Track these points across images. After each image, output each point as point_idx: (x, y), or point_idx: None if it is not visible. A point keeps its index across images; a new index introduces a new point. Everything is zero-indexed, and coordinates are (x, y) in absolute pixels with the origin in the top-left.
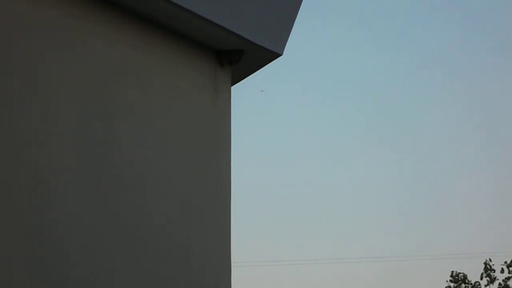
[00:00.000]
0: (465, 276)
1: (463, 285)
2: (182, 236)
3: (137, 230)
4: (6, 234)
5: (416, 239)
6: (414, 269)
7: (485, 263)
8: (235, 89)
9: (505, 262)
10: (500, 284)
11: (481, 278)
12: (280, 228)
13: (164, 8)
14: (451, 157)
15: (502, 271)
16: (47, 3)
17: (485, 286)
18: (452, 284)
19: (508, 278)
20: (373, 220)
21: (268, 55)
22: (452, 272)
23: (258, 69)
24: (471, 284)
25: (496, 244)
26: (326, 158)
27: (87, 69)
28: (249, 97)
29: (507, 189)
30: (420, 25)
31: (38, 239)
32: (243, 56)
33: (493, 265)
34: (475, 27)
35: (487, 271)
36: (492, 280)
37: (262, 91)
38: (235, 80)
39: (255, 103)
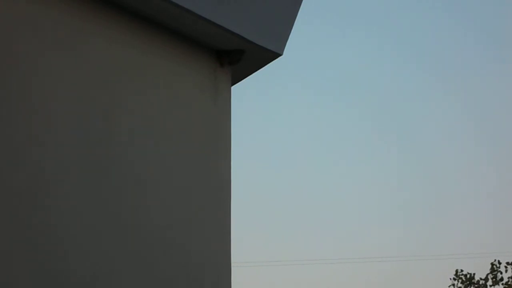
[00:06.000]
0: (472, 276)
1: (472, 287)
2: (182, 236)
3: (137, 230)
4: (6, 234)
5: (419, 239)
6: (416, 269)
7: (492, 264)
8: (235, 89)
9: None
10: (506, 282)
11: (487, 279)
12: (281, 228)
13: (164, 8)
14: (453, 156)
15: (506, 269)
16: (47, 3)
17: (490, 286)
18: (455, 282)
19: None
20: (375, 220)
21: (268, 55)
22: (457, 270)
23: (258, 69)
24: (475, 284)
25: (498, 245)
26: (326, 158)
27: (87, 69)
28: (250, 97)
29: (510, 188)
30: (420, 25)
31: (38, 239)
32: (243, 56)
33: (499, 266)
34: (475, 27)
35: (493, 272)
36: (497, 281)
37: None
38: (235, 80)
39: (255, 103)
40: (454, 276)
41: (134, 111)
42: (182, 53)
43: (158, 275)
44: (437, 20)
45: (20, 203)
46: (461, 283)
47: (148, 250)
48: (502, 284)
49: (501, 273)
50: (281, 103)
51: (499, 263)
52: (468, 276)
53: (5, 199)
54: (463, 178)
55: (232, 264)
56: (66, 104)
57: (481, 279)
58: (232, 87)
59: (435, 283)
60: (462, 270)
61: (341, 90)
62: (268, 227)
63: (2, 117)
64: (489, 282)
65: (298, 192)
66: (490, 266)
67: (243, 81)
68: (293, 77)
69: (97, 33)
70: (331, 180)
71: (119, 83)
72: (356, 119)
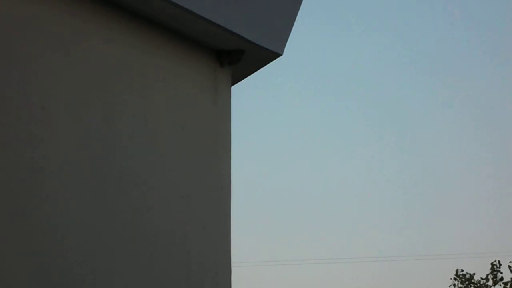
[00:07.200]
0: (471, 276)
1: (471, 286)
2: (182, 236)
3: (137, 229)
4: (6, 233)
5: (419, 239)
6: (416, 269)
7: (492, 264)
8: (235, 89)
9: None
10: (505, 283)
11: (487, 280)
12: (281, 228)
13: (164, 9)
14: (454, 157)
15: (510, 268)
16: (47, 3)
17: (490, 286)
18: (456, 282)
19: None
20: (375, 220)
21: (268, 55)
22: (457, 270)
23: (258, 69)
24: (475, 284)
25: (498, 245)
26: (326, 158)
27: (87, 69)
28: (250, 97)
29: (510, 188)
30: (421, 25)
31: (38, 238)
32: (243, 56)
33: (500, 266)
34: (476, 28)
35: (493, 272)
36: (497, 281)
37: None
38: (235, 80)
39: (255, 103)
40: (455, 276)
41: (134, 111)
42: (182, 53)
43: (158, 275)
44: (437, 20)
45: (20, 203)
46: (461, 283)
47: (148, 250)
48: (503, 283)
49: (501, 273)
50: (281, 103)
51: (499, 263)
52: (468, 276)
53: (5, 199)
54: (463, 178)
55: (232, 264)
56: (66, 103)
57: (482, 278)
58: (232, 87)
59: (435, 283)
60: (462, 270)
61: (341, 90)
62: (268, 227)
63: (2, 117)
64: (490, 282)
65: (298, 192)
66: (490, 266)
67: (243, 81)
68: (293, 77)
69: (97, 33)
70: (331, 180)
71: (119, 83)
72: (356, 119)
